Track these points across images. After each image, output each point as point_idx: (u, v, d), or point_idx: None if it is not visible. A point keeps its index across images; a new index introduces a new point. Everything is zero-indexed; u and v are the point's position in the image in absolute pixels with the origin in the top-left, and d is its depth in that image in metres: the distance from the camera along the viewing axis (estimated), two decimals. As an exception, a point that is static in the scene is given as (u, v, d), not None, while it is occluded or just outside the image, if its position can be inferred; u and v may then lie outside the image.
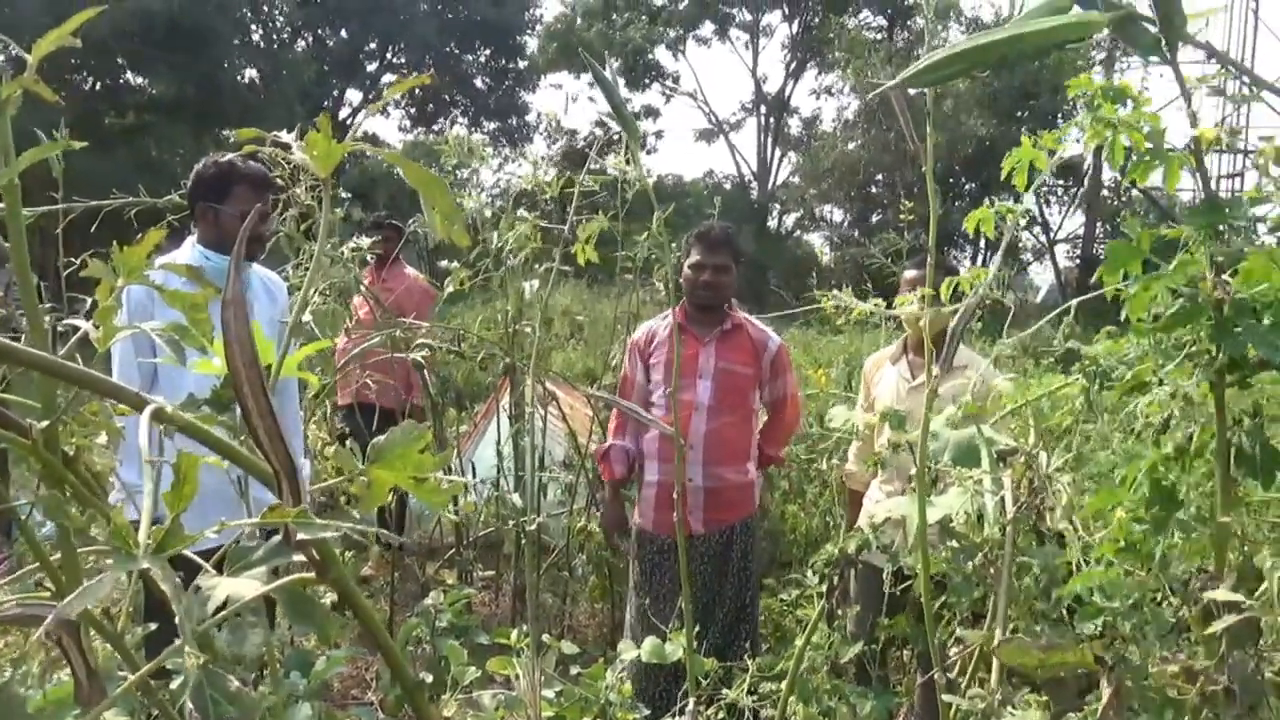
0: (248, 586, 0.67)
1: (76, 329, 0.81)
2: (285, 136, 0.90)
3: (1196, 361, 1.23)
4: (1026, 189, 1.46)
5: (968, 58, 1.20)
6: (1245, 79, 1.36)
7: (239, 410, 0.73)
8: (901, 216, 4.01)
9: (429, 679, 2.26)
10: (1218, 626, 1.03)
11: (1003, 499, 1.51)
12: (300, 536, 0.67)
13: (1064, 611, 1.44)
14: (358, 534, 0.73)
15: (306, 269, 3.73)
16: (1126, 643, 1.21)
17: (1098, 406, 1.45)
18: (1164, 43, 1.13)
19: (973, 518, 1.55)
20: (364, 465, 1.02)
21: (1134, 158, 1.24)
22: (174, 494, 0.66)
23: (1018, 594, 1.54)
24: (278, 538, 0.70)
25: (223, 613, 0.65)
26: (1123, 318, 1.29)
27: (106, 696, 0.73)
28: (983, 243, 23.82)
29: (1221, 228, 1.18)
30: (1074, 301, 1.78)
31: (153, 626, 1.28)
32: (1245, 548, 1.33)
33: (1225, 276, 1.20)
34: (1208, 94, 1.35)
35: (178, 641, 0.95)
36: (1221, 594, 1.04)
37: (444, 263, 3.94)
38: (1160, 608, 1.25)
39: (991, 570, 1.51)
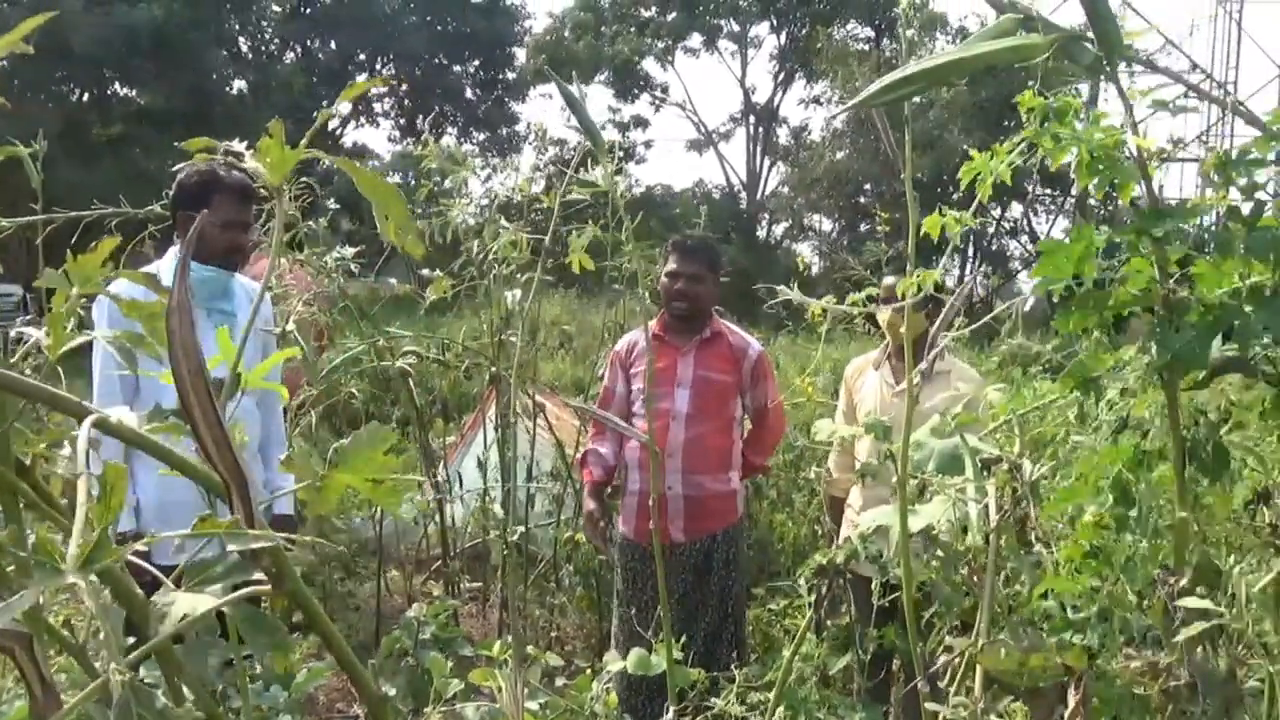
0: (205, 601, 0.65)
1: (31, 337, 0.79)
2: (237, 145, 0.89)
3: (1146, 360, 1.23)
4: (987, 197, 1.47)
5: (918, 79, 1.25)
6: (1190, 91, 1.37)
7: (186, 418, 0.72)
8: (878, 227, 4.02)
9: (409, 691, 2.23)
10: (1182, 637, 1.03)
11: (986, 507, 1.50)
12: (232, 548, 0.65)
13: (1040, 617, 1.43)
14: (313, 548, 0.71)
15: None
16: (1099, 651, 1.20)
17: (1089, 416, 1.44)
18: (1104, 60, 1.15)
19: (956, 526, 1.54)
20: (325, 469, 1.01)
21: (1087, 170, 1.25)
22: (101, 506, 0.64)
23: (1005, 601, 1.54)
24: (235, 553, 0.68)
25: (177, 628, 0.64)
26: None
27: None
28: (971, 250, 23.95)
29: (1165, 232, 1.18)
30: (1016, 302, 1.81)
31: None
32: (1207, 546, 1.33)
33: (1172, 278, 1.21)
34: (1149, 107, 1.36)
35: (144, 647, 0.93)
36: (1191, 602, 1.04)
37: (427, 271, 3.93)
38: (1129, 615, 1.25)
39: (976, 579, 1.50)
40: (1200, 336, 1.07)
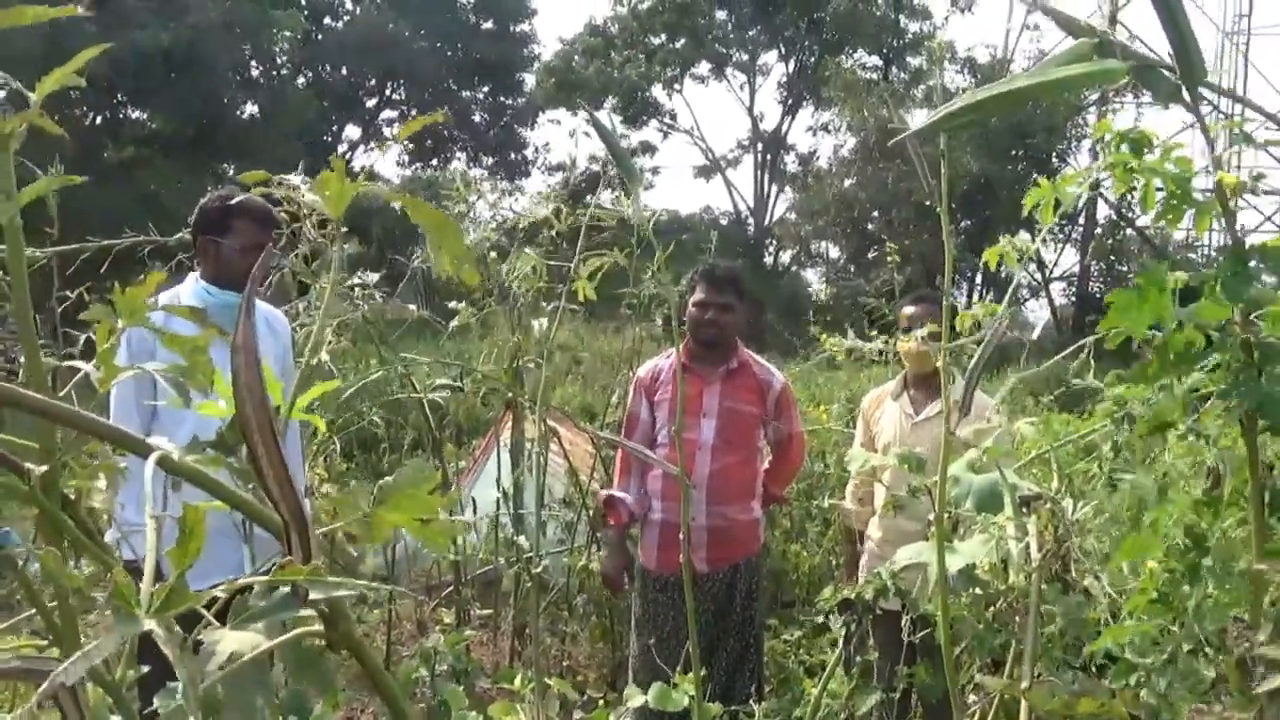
0: (252, 641, 0.63)
1: (76, 369, 0.77)
2: (294, 179, 0.87)
3: (1226, 404, 1.20)
4: (1046, 224, 1.44)
5: (990, 104, 1.21)
6: (1267, 120, 1.36)
7: (249, 457, 0.69)
8: (889, 257, 3.99)
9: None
10: (1262, 690, 0.99)
11: (1027, 546, 1.47)
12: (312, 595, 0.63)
13: (1092, 663, 1.40)
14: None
15: (310, 304, 3.70)
16: (1162, 698, 1.17)
17: (1125, 450, 1.41)
18: (1184, 90, 1.13)
19: (997, 564, 1.51)
20: (370, 506, 0.98)
21: (1162, 203, 1.23)
22: (180, 550, 0.62)
23: (1042, 641, 1.50)
24: (284, 590, 0.65)
25: (224, 670, 0.61)
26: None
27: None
28: (979, 279, 23.93)
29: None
30: (1089, 340, 1.76)
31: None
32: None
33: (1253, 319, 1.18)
34: (1232, 140, 1.34)
35: (170, 685, 0.90)
36: (1274, 651, 1.01)
37: (451, 304, 3.91)
38: (1195, 662, 1.21)
39: (1018, 619, 1.47)
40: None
